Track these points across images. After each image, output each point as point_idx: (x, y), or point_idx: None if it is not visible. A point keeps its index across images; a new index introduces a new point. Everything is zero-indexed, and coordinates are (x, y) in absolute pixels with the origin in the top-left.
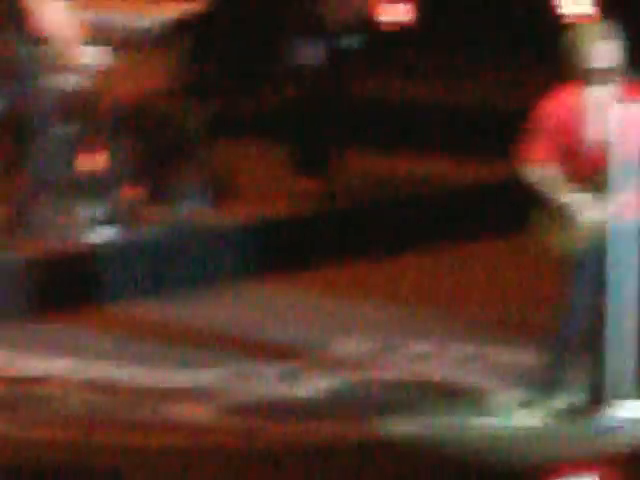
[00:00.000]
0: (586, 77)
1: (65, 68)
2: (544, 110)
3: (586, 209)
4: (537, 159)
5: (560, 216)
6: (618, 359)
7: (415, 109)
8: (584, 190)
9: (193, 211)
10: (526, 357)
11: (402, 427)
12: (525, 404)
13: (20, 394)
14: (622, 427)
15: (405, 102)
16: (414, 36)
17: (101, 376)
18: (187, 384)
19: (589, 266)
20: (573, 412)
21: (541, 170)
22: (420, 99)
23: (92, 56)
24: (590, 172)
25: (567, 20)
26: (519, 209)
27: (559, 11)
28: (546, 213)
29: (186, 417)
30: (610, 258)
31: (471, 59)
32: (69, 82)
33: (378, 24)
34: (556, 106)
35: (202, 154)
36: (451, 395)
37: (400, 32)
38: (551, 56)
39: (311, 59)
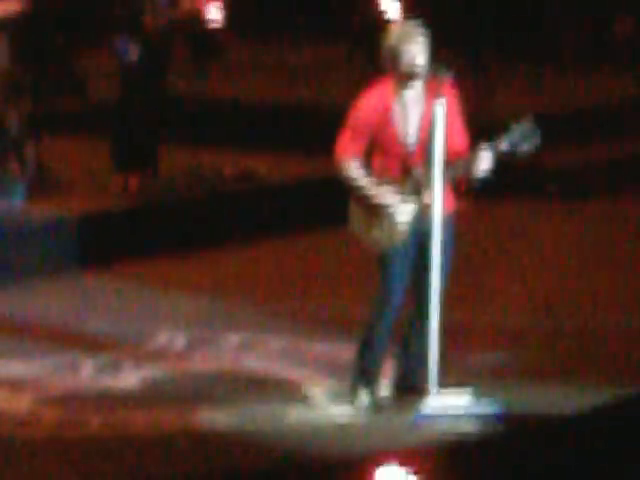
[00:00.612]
0: (399, 76)
1: None
2: (357, 107)
3: (399, 206)
4: (350, 156)
5: (374, 212)
6: (432, 351)
7: (239, 106)
8: (398, 187)
9: (13, 205)
10: (341, 350)
11: (219, 418)
12: (340, 396)
13: None
14: (435, 418)
15: (228, 99)
16: (234, 34)
17: None
18: (6, 375)
19: (403, 261)
20: (387, 404)
21: (355, 166)
22: (245, 96)
23: None
24: (403, 170)
25: (381, 19)
26: (336, 205)
27: (376, 11)
28: (362, 209)
29: (4, 408)
30: (423, 252)
31: (290, 56)
32: None
33: (201, 23)
34: (371, 103)
35: (22, 150)
36: (265, 386)
37: (222, 30)
38: (367, 55)
39: (133, 58)
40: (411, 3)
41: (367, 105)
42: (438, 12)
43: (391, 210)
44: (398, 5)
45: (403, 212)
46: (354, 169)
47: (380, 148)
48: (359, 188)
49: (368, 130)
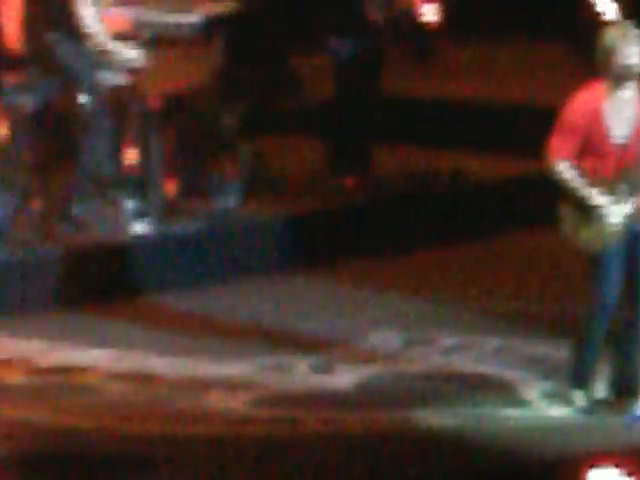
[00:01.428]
0: (613, 76)
1: (106, 64)
2: (568, 108)
3: (612, 207)
4: (561, 156)
5: (586, 213)
6: None
7: (448, 106)
8: (610, 188)
9: (228, 205)
10: (556, 350)
11: (432, 419)
12: (555, 397)
13: (59, 383)
14: None
15: (439, 99)
16: (448, 34)
17: (138, 367)
18: (222, 375)
19: (617, 262)
20: (602, 404)
21: (567, 167)
22: (453, 96)
23: (132, 53)
24: (616, 171)
25: (599, 20)
26: (547, 205)
27: (592, 11)
28: (573, 210)
29: (220, 408)
30: (636, 253)
31: (503, 56)
32: (110, 78)
33: (414, 22)
34: (582, 104)
35: (238, 149)
36: (480, 387)
37: (435, 30)
38: (582, 54)
39: (347, 56)
40: (628, 3)
41: (578, 106)
42: None
43: (603, 211)
44: (615, 6)
45: (616, 213)
46: (565, 170)
47: (592, 149)
48: (570, 189)
49: (579, 131)
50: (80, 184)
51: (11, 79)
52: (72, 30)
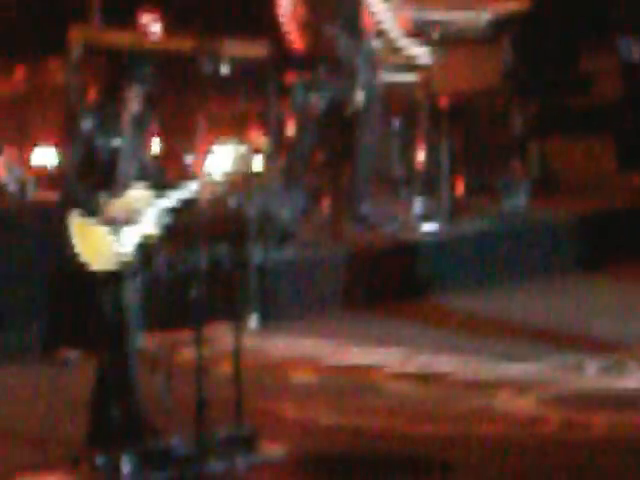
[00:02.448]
0: None
1: (394, 64)
2: None
3: None
4: None
5: None
6: None
7: None
8: None
9: (518, 205)
10: None
11: None
12: None
13: (347, 383)
14: None
15: None
16: None
17: (426, 366)
18: (511, 375)
19: None
20: None
21: None
22: None
23: (421, 51)
24: None
25: None
26: None
27: None
28: None
29: (510, 408)
30: None
31: None
32: (397, 77)
33: None
34: None
35: (528, 149)
36: None
37: None
38: None
39: (637, 57)
40: None
41: None
42: None
43: None
44: None
45: None
46: None
47: None
48: None
49: None
50: (365, 183)
51: (300, 79)
52: (354, 28)
